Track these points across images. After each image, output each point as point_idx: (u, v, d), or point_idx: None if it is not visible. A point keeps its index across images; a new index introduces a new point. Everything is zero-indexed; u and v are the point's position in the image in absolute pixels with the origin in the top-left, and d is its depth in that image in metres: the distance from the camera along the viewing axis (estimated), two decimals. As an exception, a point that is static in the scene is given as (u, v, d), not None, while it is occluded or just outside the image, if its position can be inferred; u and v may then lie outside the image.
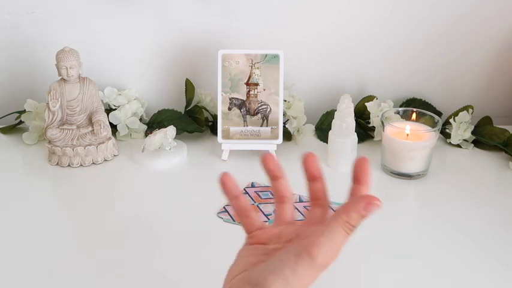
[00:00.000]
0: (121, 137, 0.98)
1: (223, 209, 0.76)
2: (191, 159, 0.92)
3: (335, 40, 1.02)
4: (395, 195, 0.83)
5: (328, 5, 0.99)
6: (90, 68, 0.94)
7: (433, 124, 0.87)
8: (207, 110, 1.01)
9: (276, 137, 0.91)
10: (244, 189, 0.81)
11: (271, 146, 0.91)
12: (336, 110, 0.87)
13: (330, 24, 1.01)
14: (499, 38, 1.03)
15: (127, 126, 0.98)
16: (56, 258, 0.67)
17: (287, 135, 0.97)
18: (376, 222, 0.74)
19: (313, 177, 0.47)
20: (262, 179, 0.83)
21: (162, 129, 0.90)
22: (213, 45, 0.99)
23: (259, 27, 1.00)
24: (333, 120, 0.87)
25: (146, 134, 0.98)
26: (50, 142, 0.89)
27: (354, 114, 0.87)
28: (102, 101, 0.94)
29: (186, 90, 1.01)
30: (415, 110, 0.90)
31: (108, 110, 0.98)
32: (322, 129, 1.00)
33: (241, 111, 0.90)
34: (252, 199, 0.79)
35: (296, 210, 0.75)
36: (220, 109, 0.90)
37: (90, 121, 0.91)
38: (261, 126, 0.91)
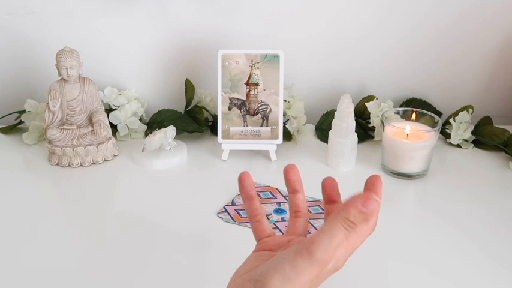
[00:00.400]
0: (121, 137, 0.98)
1: (223, 209, 0.76)
2: (191, 159, 0.92)
3: (335, 40, 1.02)
4: (395, 195, 0.83)
5: (327, 5, 0.99)
6: (90, 68, 0.94)
7: (433, 124, 0.87)
8: (207, 110, 1.01)
9: (276, 137, 0.91)
10: (244, 189, 0.81)
11: (271, 146, 0.91)
12: (336, 110, 0.87)
13: (329, 24, 1.01)
14: (499, 38, 1.03)
15: (127, 126, 0.98)
16: (55, 258, 0.67)
17: (287, 135, 0.97)
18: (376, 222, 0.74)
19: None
20: (262, 179, 0.83)
21: (162, 129, 0.90)
22: (213, 45, 0.99)
23: (259, 27, 1.00)
24: (333, 120, 0.87)
25: (146, 134, 0.98)
26: (50, 142, 0.89)
27: (354, 114, 0.87)
28: (102, 101, 0.94)
29: (186, 90, 1.01)
30: (415, 110, 0.90)
31: (108, 110, 0.98)
32: (322, 129, 1.00)
33: (241, 111, 0.90)
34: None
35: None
36: (220, 109, 0.90)
37: (90, 121, 0.91)
38: (261, 126, 0.91)
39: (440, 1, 0.99)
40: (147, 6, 0.98)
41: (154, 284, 0.63)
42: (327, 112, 1.01)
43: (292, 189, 0.50)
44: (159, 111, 1.01)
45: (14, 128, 1.01)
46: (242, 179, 0.50)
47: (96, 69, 0.98)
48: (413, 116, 0.90)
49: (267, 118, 0.90)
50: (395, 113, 0.91)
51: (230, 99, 0.90)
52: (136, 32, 1.00)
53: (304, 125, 0.99)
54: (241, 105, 0.90)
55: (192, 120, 0.99)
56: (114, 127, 0.97)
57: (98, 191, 0.83)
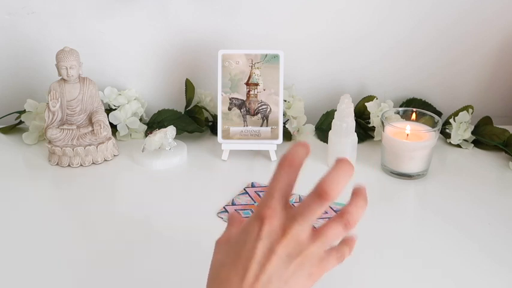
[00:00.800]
0: (121, 137, 0.98)
1: (223, 209, 0.76)
2: (191, 159, 0.92)
3: (335, 40, 1.02)
4: (395, 195, 0.83)
5: (327, 5, 0.99)
6: (90, 68, 0.94)
7: (433, 124, 0.87)
8: (207, 110, 1.01)
9: (276, 137, 0.91)
10: (244, 189, 0.81)
11: (271, 146, 0.91)
12: (336, 110, 0.87)
13: (329, 24, 1.01)
14: (499, 38, 1.03)
15: (127, 126, 0.98)
16: (55, 257, 0.67)
17: (287, 135, 0.97)
18: (376, 222, 0.74)
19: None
20: (262, 179, 0.83)
21: (162, 129, 0.90)
22: (213, 45, 0.99)
23: (259, 27, 1.00)
24: (333, 120, 0.87)
25: (146, 134, 0.98)
26: (50, 142, 0.89)
27: (354, 114, 0.87)
28: (102, 101, 0.94)
29: (186, 90, 1.01)
30: (415, 110, 0.90)
31: (108, 110, 0.98)
32: (322, 129, 1.00)
33: (241, 111, 0.90)
34: (252, 199, 0.79)
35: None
36: (220, 109, 0.90)
37: (90, 121, 0.91)
38: (261, 126, 0.91)
39: (440, 1, 0.99)
40: (147, 6, 0.98)
41: (154, 283, 0.63)
42: (327, 112, 1.01)
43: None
44: (159, 111, 1.01)
45: (14, 128, 1.01)
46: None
47: (96, 69, 0.98)
48: (413, 116, 0.90)
49: (267, 118, 0.90)
50: (395, 113, 0.91)
51: (230, 99, 0.90)
52: (136, 32, 1.00)
53: (304, 125, 0.99)
54: (241, 105, 0.90)
55: (192, 120, 0.99)
56: (114, 127, 0.97)
57: (98, 191, 0.83)
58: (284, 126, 0.96)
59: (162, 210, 0.78)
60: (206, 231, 0.72)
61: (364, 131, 1.00)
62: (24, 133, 0.97)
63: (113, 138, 0.92)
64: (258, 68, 0.89)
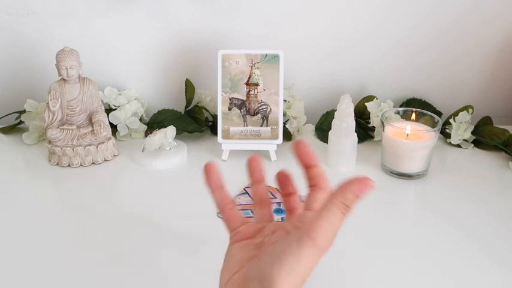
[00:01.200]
0: (121, 137, 0.98)
1: (223, 209, 0.76)
2: (191, 159, 0.92)
3: (335, 40, 1.02)
4: (395, 195, 0.83)
5: (327, 5, 0.99)
6: (90, 68, 0.94)
7: (433, 124, 0.87)
8: (207, 110, 1.01)
9: (276, 137, 0.91)
10: (244, 189, 0.81)
11: (271, 146, 0.91)
12: (336, 110, 0.87)
13: (329, 24, 1.01)
14: (499, 38, 1.03)
15: (127, 126, 0.98)
16: (55, 257, 0.67)
17: (287, 135, 0.97)
18: (376, 222, 0.74)
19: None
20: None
21: (162, 129, 0.90)
22: (213, 45, 0.99)
23: (259, 27, 1.00)
24: (333, 120, 0.87)
25: (146, 134, 0.98)
26: (50, 142, 0.89)
27: (354, 114, 0.87)
28: (102, 101, 0.94)
29: (186, 90, 1.01)
30: (415, 110, 0.90)
31: (108, 110, 0.98)
32: (322, 129, 1.00)
33: (241, 111, 0.90)
34: (252, 199, 0.78)
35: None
36: (220, 109, 0.90)
37: (90, 121, 0.91)
38: (261, 126, 0.91)
39: (440, 1, 0.99)
40: (147, 6, 0.98)
41: (154, 283, 0.63)
42: (327, 112, 1.01)
43: (256, 179, 0.50)
44: (159, 111, 1.01)
45: (14, 128, 1.01)
46: (208, 170, 0.48)
47: (96, 69, 0.98)
48: (413, 116, 0.90)
49: (267, 118, 0.90)
50: (395, 113, 0.91)
51: (230, 99, 0.90)
52: (136, 32, 1.00)
53: (304, 125, 0.99)
54: (241, 105, 0.90)
55: (192, 120, 0.99)
56: (114, 127, 0.97)
57: (98, 191, 0.83)
58: (284, 126, 0.96)
59: (162, 210, 0.78)
60: (206, 231, 0.73)
61: (364, 131, 1.00)
62: (24, 133, 0.97)
63: (113, 138, 0.92)
64: (258, 68, 0.89)
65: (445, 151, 0.96)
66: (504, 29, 1.02)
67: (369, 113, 0.98)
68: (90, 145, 0.89)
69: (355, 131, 0.88)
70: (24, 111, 0.99)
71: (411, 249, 0.69)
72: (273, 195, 0.79)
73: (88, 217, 0.76)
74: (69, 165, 0.89)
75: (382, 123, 0.87)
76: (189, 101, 1.01)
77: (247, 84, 0.90)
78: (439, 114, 1.02)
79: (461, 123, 0.95)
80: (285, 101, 0.97)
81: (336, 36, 1.02)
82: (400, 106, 1.03)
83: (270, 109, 0.90)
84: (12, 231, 0.73)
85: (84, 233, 0.72)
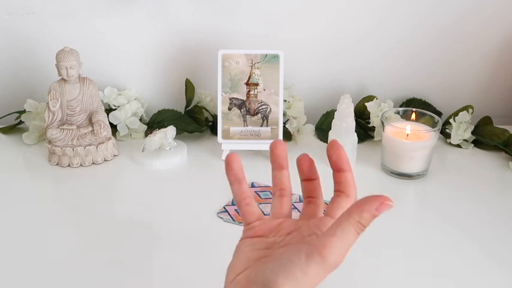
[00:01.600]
0: (121, 137, 0.98)
1: (223, 209, 0.76)
2: (191, 159, 0.92)
3: (335, 40, 1.02)
4: (395, 195, 0.83)
5: (327, 5, 0.99)
6: (90, 68, 0.94)
7: (433, 124, 0.87)
8: (207, 110, 1.01)
9: (276, 137, 0.91)
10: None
11: (271, 146, 0.91)
12: (336, 110, 0.87)
13: (329, 24, 1.01)
14: (499, 38, 1.03)
15: (127, 126, 0.98)
16: (55, 257, 0.67)
17: (287, 135, 0.97)
18: (376, 222, 0.74)
19: (307, 178, 0.47)
20: (262, 179, 0.83)
21: (162, 129, 0.90)
22: (213, 45, 0.99)
23: (259, 27, 1.00)
24: (333, 120, 0.87)
25: (146, 134, 0.98)
26: (50, 142, 0.89)
27: (354, 114, 0.87)
28: (102, 101, 0.94)
29: (186, 90, 1.01)
30: (415, 110, 0.90)
31: (108, 110, 0.98)
32: (322, 129, 1.00)
33: (241, 111, 0.90)
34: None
35: (296, 210, 0.75)
36: (220, 109, 0.90)
37: (90, 121, 0.91)
38: (261, 126, 0.91)
39: (440, 1, 0.99)
40: (147, 6, 0.98)
41: (154, 283, 0.63)
42: (327, 112, 1.01)
43: (279, 165, 0.48)
44: (159, 111, 1.01)
45: (14, 128, 1.01)
46: (229, 162, 0.47)
47: (96, 69, 0.98)
48: (413, 116, 0.90)
49: (267, 118, 0.90)
50: (395, 113, 0.91)
51: (230, 99, 0.90)
52: (136, 32, 1.00)
53: (304, 125, 0.99)
54: (241, 105, 0.90)
55: (192, 120, 0.99)
56: (114, 127, 0.97)
57: (98, 191, 0.83)
58: (284, 126, 0.96)
59: (162, 210, 0.78)
60: (206, 231, 0.73)
61: (364, 131, 1.00)
62: (24, 133, 0.97)
63: (113, 138, 0.92)
64: (258, 68, 0.89)
65: (445, 151, 0.96)
66: (504, 29, 1.02)
67: (369, 113, 0.98)
68: (90, 145, 0.89)
69: (355, 131, 0.88)
70: (24, 111, 0.99)
71: (411, 249, 0.69)
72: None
73: (88, 217, 0.76)
74: (69, 165, 0.89)
75: (382, 123, 0.87)
76: (189, 101, 1.01)
77: (247, 84, 0.90)
78: (439, 114, 1.02)
79: (461, 123, 0.95)
80: (285, 101, 0.97)
81: (336, 36, 1.02)
82: (400, 106, 1.03)
83: (270, 109, 0.90)
84: (12, 231, 0.73)
85: (84, 233, 0.72)
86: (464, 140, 0.97)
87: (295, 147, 0.97)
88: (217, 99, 0.90)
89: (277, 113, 0.90)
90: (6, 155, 0.93)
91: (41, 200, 0.80)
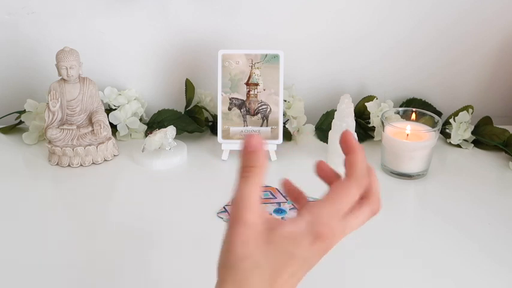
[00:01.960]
0: (121, 137, 0.98)
1: (223, 209, 0.76)
2: (191, 159, 0.92)
3: (335, 40, 1.02)
4: (396, 195, 0.83)
5: (327, 5, 0.99)
6: (90, 68, 0.94)
7: (433, 124, 0.87)
8: (207, 110, 1.01)
9: (276, 137, 0.91)
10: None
11: (271, 146, 0.91)
12: (336, 110, 0.87)
13: (329, 24, 1.01)
14: (499, 38, 1.03)
15: (127, 126, 0.98)
16: (55, 257, 0.67)
17: (287, 135, 0.97)
18: (376, 222, 0.74)
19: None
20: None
21: (162, 129, 0.90)
22: (213, 45, 0.99)
23: (259, 27, 1.00)
24: (333, 120, 0.87)
25: (146, 134, 0.98)
26: (50, 142, 0.89)
27: (354, 114, 0.87)
28: (102, 101, 0.94)
29: (186, 90, 1.01)
30: (415, 110, 0.90)
31: (108, 110, 0.98)
32: (322, 129, 1.00)
33: (241, 111, 0.90)
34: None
35: (296, 210, 0.75)
36: (220, 109, 0.90)
37: (90, 121, 0.91)
38: (261, 126, 0.91)
39: (440, 1, 0.99)
40: (147, 6, 0.98)
41: (154, 283, 0.63)
42: (327, 112, 1.01)
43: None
44: (159, 111, 1.01)
45: (14, 128, 1.01)
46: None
47: (96, 69, 0.98)
48: (413, 116, 0.90)
49: (267, 118, 0.90)
50: (395, 113, 0.91)
51: (230, 99, 0.90)
52: (136, 32, 1.00)
53: (304, 125, 0.99)
54: (241, 105, 0.90)
55: (192, 120, 0.99)
56: (114, 127, 0.97)
57: (98, 191, 0.83)
58: (284, 126, 0.96)
59: (162, 210, 0.78)
60: (206, 231, 0.73)
61: (364, 131, 1.00)
62: (24, 133, 0.97)
63: (112, 138, 0.92)
64: (258, 68, 0.89)
65: (445, 151, 0.96)
66: (504, 29, 1.02)
67: (369, 113, 0.98)
68: (90, 145, 0.89)
69: (355, 131, 0.88)
70: (24, 111, 0.99)
71: (411, 249, 0.70)
72: (272, 195, 0.79)
73: (88, 217, 0.76)
74: (69, 165, 0.89)
75: (382, 123, 0.87)
76: (189, 101, 1.01)
77: (247, 84, 0.90)
78: (439, 114, 1.02)
79: (461, 123, 0.95)
80: (285, 101, 0.97)
81: (336, 36, 1.02)
82: (400, 106, 1.03)
83: (270, 109, 0.90)
84: (12, 231, 0.73)
85: (84, 233, 0.72)
86: (464, 140, 0.97)
87: (295, 147, 0.97)
88: (217, 99, 0.90)
89: (277, 113, 0.90)
90: (6, 155, 0.93)
91: (41, 200, 0.81)
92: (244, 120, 0.91)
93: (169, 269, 0.65)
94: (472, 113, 0.98)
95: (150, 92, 1.05)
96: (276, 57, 0.89)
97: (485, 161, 0.92)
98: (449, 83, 1.06)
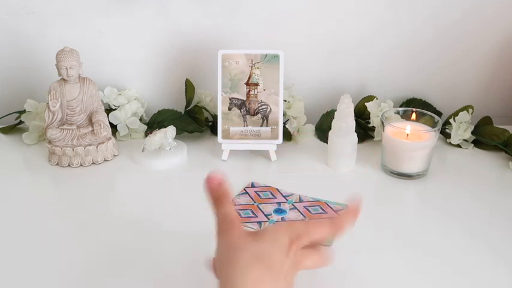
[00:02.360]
0: (121, 137, 0.98)
1: (223, 209, 0.76)
2: (191, 159, 0.92)
3: (335, 40, 1.02)
4: (396, 195, 0.83)
5: (328, 5, 0.99)
6: (90, 68, 0.94)
7: (433, 124, 0.87)
8: (207, 110, 1.01)
9: (276, 137, 0.91)
10: (244, 189, 0.81)
11: (271, 146, 0.91)
12: (336, 110, 0.87)
13: (329, 24, 1.01)
14: (499, 38, 1.03)
15: (127, 126, 0.98)
16: (55, 257, 0.67)
17: (287, 135, 0.97)
18: (376, 222, 0.74)
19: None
20: (262, 179, 0.83)
21: (162, 129, 0.90)
22: (213, 45, 0.99)
23: (259, 27, 1.00)
24: (333, 120, 0.87)
25: (146, 134, 0.98)
26: (50, 142, 0.89)
27: (354, 114, 0.87)
28: (102, 101, 0.94)
29: (186, 90, 1.01)
30: (415, 110, 0.90)
31: (108, 110, 0.98)
32: (322, 129, 1.00)
33: (241, 111, 0.90)
34: (252, 199, 0.79)
35: (296, 210, 0.75)
36: (220, 109, 0.90)
37: (90, 121, 0.91)
38: (261, 126, 0.91)
39: (440, 1, 0.99)
40: (147, 6, 0.98)
41: (154, 283, 0.63)
42: (327, 112, 1.01)
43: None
44: (159, 111, 1.01)
45: (14, 128, 1.01)
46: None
47: (96, 69, 0.98)
48: (413, 116, 0.90)
49: (267, 118, 0.90)
50: (395, 113, 0.91)
51: (230, 99, 0.90)
52: (136, 32, 1.00)
53: (304, 125, 0.99)
54: (241, 105, 0.90)
55: (192, 120, 0.99)
56: (114, 127, 0.97)
57: (98, 191, 0.84)
58: (284, 126, 0.96)
59: (162, 210, 0.78)
60: (206, 231, 0.73)
61: (364, 131, 1.00)
62: (24, 133, 0.97)
63: (112, 138, 0.92)
64: (258, 68, 0.89)
65: (445, 151, 0.96)
66: (504, 29, 1.02)
67: (369, 113, 0.98)
68: (90, 145, 0.89)
69: (355, 131, 0.88)
70: (24, 111, 0.99)
71: (411, 249, 0.69)
72: (272, 195, 0.79)
73: (88, 217, 0.76)
74: (69, 165, 0.89)
75: (382, 123, 0.87)
76: (189, 101, 1.01)
77: (247, 84, 0.90)
78: (439, 114, 1.02)
79: (461, 123, 0.95)
80: (285, 101, 0.97)
81: (336, 37, 1.02)
82: (400, 106, 1.03)
83: (270, 109, 0.90)
84: (12, 231, 0.73)
85: (84, 233, 0.72)
86: (464, 140, 0.97)
87: (295, 147, 0.97)
88: (217, 99, 0.90)
89: (277, 113, 0.90)
90: (6, 155, 0.94)
91: (40, 200, 0.81)
92: (244, 120, 0.91)
93: (169, 268, 0.65)
94: (472, 113, 0.98)
95: (150, 92, 1.05)
96: (276, 57, 0.89)
97: (485, 161, 0.92)
98: (449, 83, 1.06)
